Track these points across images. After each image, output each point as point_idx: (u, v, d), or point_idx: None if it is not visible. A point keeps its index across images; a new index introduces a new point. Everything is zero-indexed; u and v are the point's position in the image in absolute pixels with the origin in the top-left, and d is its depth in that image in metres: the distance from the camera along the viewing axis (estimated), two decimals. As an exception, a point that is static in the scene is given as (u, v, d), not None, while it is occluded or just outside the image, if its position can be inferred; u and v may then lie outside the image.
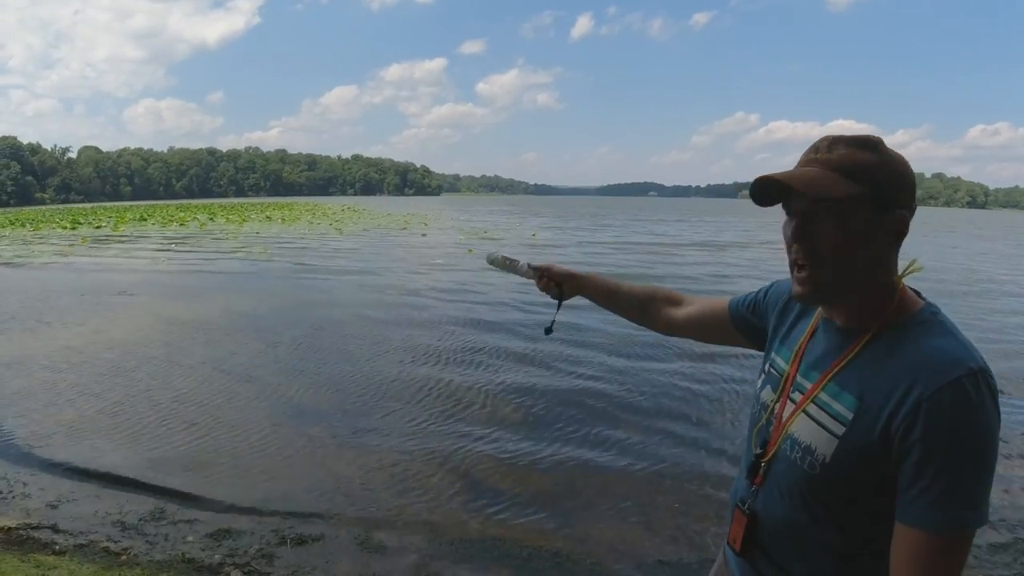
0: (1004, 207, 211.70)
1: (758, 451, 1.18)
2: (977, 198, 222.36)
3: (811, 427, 1.07)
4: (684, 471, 4.46)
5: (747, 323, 1.37)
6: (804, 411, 1.09)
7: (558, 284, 1.65)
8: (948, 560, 0.94)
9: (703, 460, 4.63)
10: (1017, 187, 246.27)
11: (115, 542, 3.39)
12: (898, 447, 0.95)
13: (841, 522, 1.05)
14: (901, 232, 1.03)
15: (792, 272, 1.08)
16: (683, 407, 5.64)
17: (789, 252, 1.07)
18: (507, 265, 1.73)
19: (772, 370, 1.23)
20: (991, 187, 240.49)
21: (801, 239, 1.04)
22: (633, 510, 3.94)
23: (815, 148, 1.05)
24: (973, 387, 0.92)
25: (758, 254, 20.53)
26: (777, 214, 1.11)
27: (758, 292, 1.37)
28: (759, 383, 1.26)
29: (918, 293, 1.08)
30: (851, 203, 1.00)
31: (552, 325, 1.75)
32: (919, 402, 0.93)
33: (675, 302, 1.55)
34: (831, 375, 1.07)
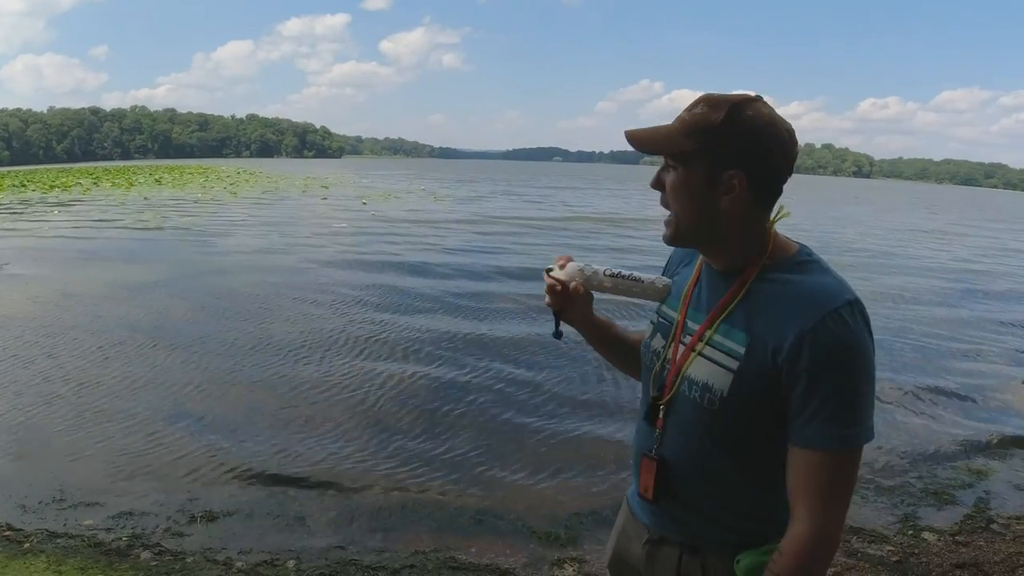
0: (888, 177, 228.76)
1: (655, 394, 1.23)
2: (863, 168, 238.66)
3: (707, 366, 1.13)
4: (587, 433, 4.66)
5: None
6: (698, 352, 1.16)
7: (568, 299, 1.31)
8: (842, 474, 1.05)
9: (603, 422, 4.85)
10: (901, 158, 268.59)
11: (16, 529, 3.18)
12: (787, 377, 1.04)
13: (745, 451, 1.14)
14: (751, 188, 1.07)
15: None
16: (580, 378, 5.83)
17: None
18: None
19: (661, 319, 1.28)
20: (876, 158, 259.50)
21: (655, 186, 1.15)
22: (547, 470, 4.08)
23: (688, 106, 1.12)
24: (850, 316, 1.03)
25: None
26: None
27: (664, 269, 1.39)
28: (648, 334, 1.31)
29: (788, 239, 1.17)
30: (689, 158, 1.09)
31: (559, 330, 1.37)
32: (802, 334, 1.02)
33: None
34: (721, 317, 1.14)
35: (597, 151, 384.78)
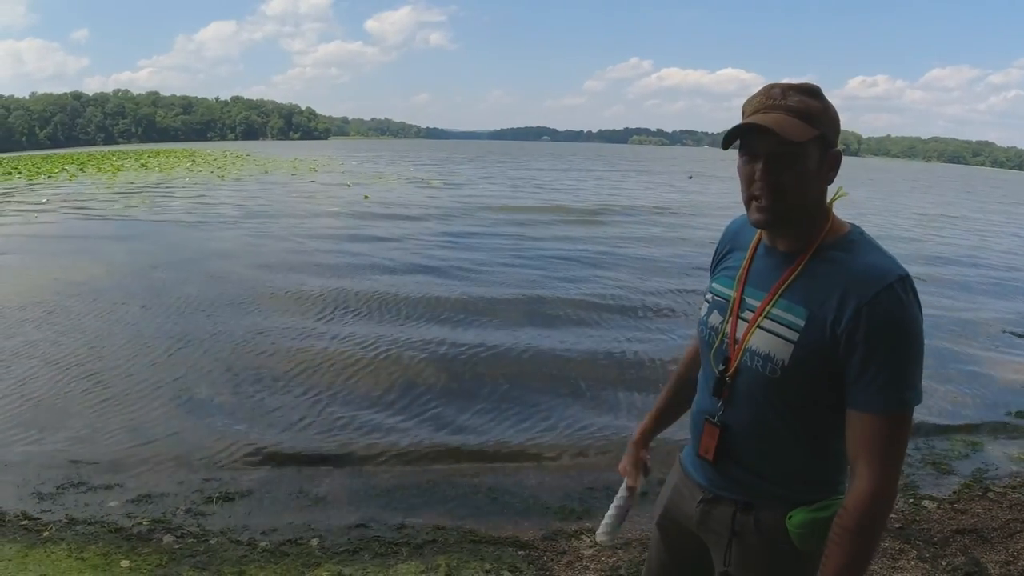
0: (875, 155, 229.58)
1: (720, 368, 1.31)
2: (851, 146, 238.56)
3: (768, 338, 1.23)
4: (595, 408, 4.76)
5: None
6: (759, 326, 1.25)
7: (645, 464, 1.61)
8: (896, 435, 1.15)
9: (612, 398, 4.96)
10: (888, 136, 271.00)
11: (33, 518, 3.19)
12: (844, 347, 1.14)
13: (803, 417, 1.24)
14: (838, 166, 1.23)
15: (750, 204, 1.22)
16: (589, 355, 5.91)
17: (748, 187, 1.22)
18: (620, 517, 1.59)
19: (717, 297, 1.37)
20: (864, 136, 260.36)
21: (769, 175, 1.18)
22: (558, 445, 4.18)
23: (770, 96, 1.19)
24: (902, 291, 1.13)
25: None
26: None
27: (710, 280, 1.46)
28: (703, 311, 1.40)
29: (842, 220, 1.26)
30: (810, 145, 1.16)
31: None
32: (859, 308, 1.13)
33: (690, 366, 1.56)
34: (780, 292, 1.23)
35: (585, 130, 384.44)
